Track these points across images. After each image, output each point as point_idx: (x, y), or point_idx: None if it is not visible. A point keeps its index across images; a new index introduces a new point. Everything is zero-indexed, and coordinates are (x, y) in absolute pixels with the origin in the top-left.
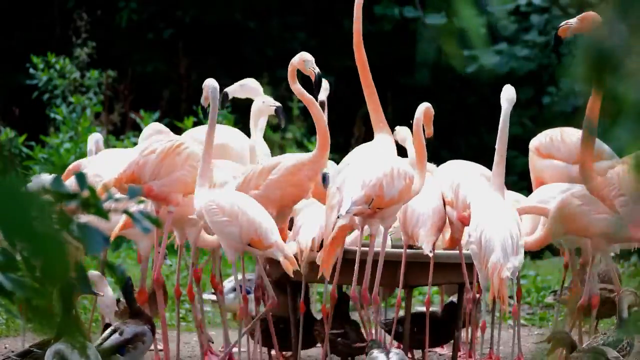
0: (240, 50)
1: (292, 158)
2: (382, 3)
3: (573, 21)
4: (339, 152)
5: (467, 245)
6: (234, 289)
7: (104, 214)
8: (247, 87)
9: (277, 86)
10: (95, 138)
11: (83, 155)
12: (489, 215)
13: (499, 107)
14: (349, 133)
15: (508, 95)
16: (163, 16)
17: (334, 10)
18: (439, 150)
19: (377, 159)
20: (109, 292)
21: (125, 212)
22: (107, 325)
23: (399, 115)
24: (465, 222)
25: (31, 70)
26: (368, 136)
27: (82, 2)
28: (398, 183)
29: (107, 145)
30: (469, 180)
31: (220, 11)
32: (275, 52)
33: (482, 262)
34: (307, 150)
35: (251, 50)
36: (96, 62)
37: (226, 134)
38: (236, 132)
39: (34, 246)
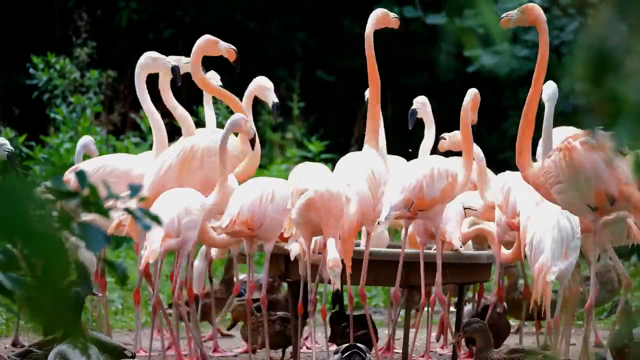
0: (240, 50)
1: (313, 191)
2: (382, 3)
3: (514, 13)
4: (339, 152)
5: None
6: None
7: (104, 213)
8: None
9: (277, 86)
10: (83, 142)
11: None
12: (542, 216)
13: (499, 107)
14: (349, 133)
15: (550, 92)
16: (163, 16)
17: (334, 10)
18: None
19: (417, 161)
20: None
21: (127, 210)
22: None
23: (398, 115)
24: (513, 227)
25: (31, 70)
26: None
27: (82, 2)
28: (439, 183)
29: (107, 145)
30: (520, 185)
31: (220, 11)
32: (275, 52)
33: (531, 263)
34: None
35: (251, 50)
36: (96, 62)
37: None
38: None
39: (34, 246)
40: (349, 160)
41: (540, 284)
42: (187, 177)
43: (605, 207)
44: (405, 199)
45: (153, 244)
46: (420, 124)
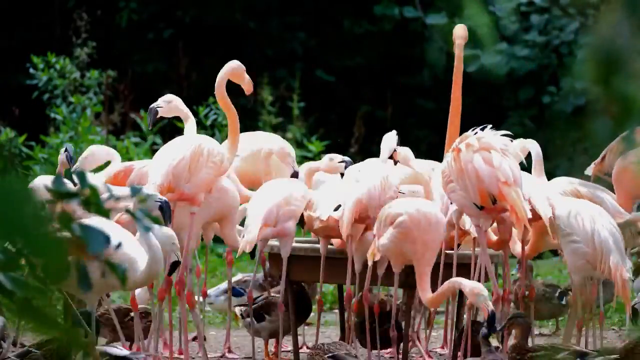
0: (241, 50)
1: (408, 216)
2: (382, 3)
3: None
4: (339, 152)
5: (567, 244)
6: (225, 292)
7: (105, 213)
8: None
9: (277, 86)
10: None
11: None
12: (593, 214)
13: (499, 107)
14: (349, 133)
15: (537, 151)
16: (163, 16)
17: (334, 10)
18: (438, 149)
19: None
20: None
21: (127, 211)
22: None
23: (398, 115)
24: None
25: (31, 70)
26: (368, 136)
27: (82, 2)
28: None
29: (107, 145)
30: (551, 186)
31: (220, 11)
32: (275, 52)
33: (600, 261)
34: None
35: (251, 50)
36: (96, 62)
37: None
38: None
39: (34, 246)
40: (367, 163)
41: (619, 283)
42: (194, 172)
43: (489, 206)
44: None
45: (250, 233)
46: (420, 125)
